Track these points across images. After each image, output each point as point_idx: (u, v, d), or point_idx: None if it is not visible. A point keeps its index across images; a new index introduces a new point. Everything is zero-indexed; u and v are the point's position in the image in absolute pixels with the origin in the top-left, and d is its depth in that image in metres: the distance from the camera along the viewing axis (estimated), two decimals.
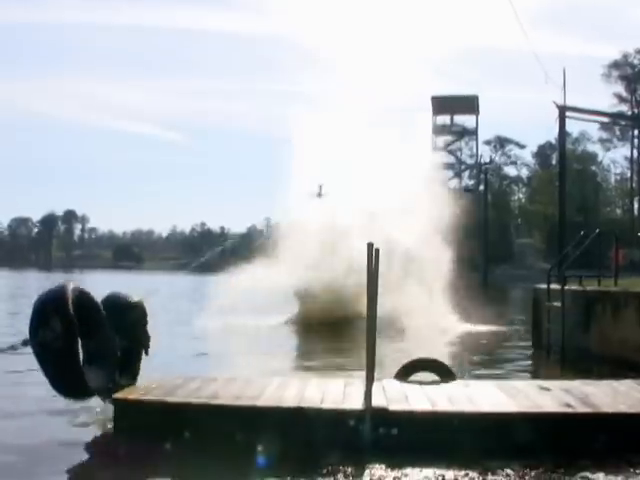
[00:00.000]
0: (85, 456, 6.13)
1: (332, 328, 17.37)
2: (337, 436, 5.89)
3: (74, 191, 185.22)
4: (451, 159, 73.45)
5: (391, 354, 11.57)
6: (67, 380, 6.45)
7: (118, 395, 6.53)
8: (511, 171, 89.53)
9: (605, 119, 53.67)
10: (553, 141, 73.48)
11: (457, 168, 74.87)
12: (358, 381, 7.04)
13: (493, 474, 5.40)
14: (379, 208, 20.45)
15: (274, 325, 18.40)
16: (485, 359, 13.12)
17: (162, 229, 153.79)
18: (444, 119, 72.94)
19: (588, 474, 5.40)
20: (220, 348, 14.70)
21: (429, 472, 5.43)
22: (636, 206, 69.65)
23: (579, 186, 66.53)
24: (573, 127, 66.96)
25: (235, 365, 11.81)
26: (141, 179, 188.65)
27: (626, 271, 15.55)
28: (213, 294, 19.31)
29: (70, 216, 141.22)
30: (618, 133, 74.34)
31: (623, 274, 13.39)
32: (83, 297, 6.70)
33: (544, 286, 13.27)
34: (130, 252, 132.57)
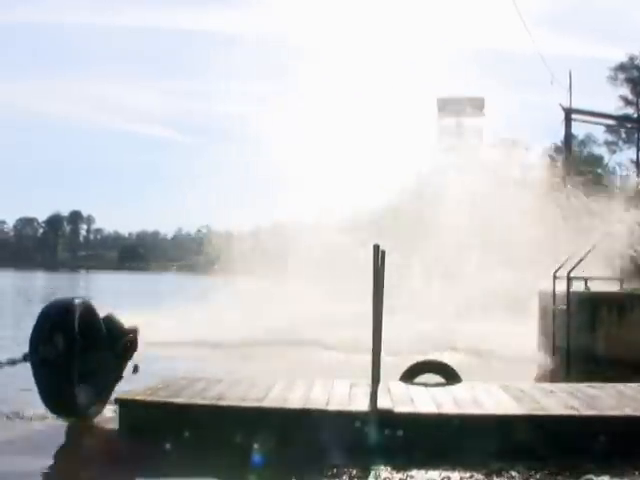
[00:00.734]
0: (89, 456, 6.16)
1: None
2: (342, 438, 5.89)
3: (80, 192, 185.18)
4: None
5: None
6: (59, 398, 6.43)
7: (124, 396, 6.55)
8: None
9: (611, 122, 53.46)
10: (559, 143, 73.29)
11: None
12: (364, 383, 7.06)
13: (498, 476, 5.41)
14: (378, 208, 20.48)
15: None
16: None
17: (167, 230, 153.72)
18: (449, 120, 72.75)
19: (593, 477, 5.40)
20: None
21: (434, 474, 5.44)
22: None
23: None
24: (579, 130, 66.78)
25: None
26: (147, 180, 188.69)
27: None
28: None
29: (76, 217, 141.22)
30: (624, 136, 74.06)
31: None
32: (88, 313, 6.68)
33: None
34: (136, 253, 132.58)
